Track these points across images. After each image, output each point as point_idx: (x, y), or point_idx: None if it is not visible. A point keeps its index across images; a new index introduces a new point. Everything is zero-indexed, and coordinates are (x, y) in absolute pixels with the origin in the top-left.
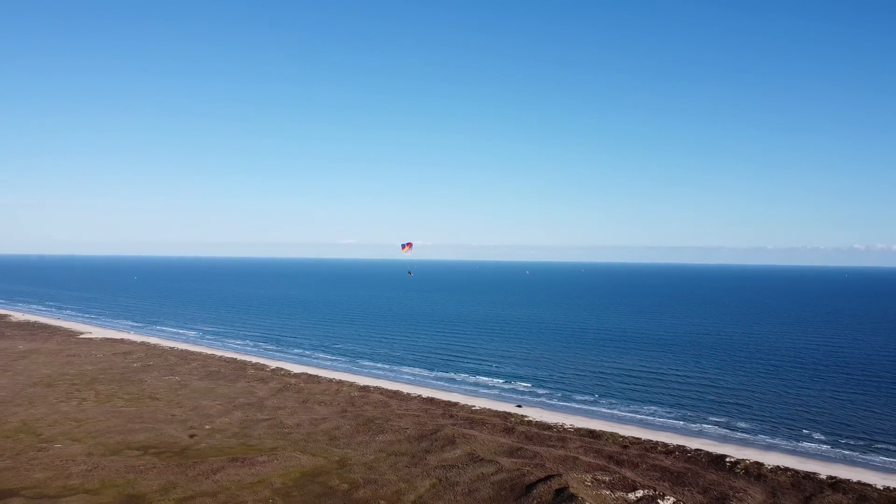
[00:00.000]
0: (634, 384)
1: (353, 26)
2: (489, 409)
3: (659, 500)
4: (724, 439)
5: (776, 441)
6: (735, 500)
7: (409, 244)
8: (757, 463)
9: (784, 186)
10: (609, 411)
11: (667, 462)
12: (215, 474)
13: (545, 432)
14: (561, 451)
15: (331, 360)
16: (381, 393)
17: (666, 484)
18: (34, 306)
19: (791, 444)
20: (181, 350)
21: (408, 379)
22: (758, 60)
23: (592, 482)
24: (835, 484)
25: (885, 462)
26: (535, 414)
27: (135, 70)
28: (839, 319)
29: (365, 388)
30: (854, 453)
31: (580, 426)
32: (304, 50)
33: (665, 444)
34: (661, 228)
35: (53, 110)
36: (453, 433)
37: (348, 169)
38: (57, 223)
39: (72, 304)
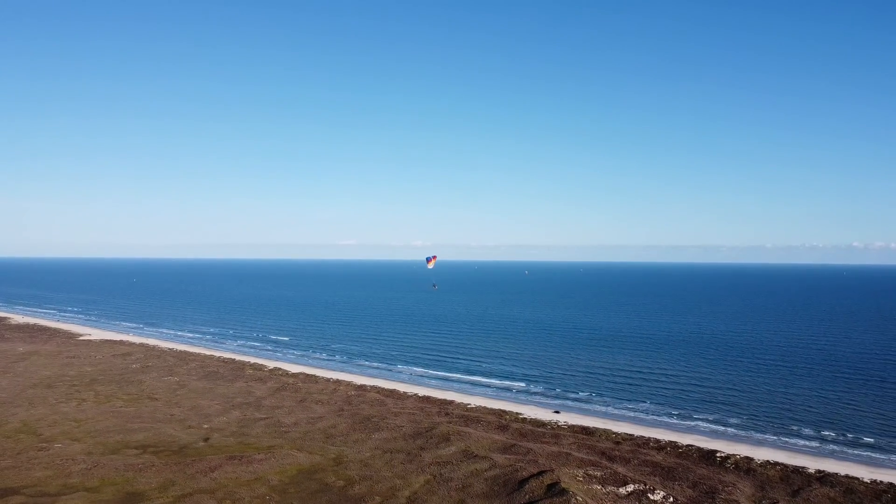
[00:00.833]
0: (628, 382)
1: (351, 26)
2: (484, 407)
3: (649, 494)
4: (715, 435)
5: (766, 436)
6: (724, 494)
7: (434, 258)
8: (747, 458)
9: (782, 185)
10: (603, 408)
11: (658, 457)
12: (213, 472)
13: (539, 429)
14: (554, 448)
15: (328, 359)
16: (377, 392)
17: (657, 478)
18: (33, 309)
19: (781, 440)
20: (180, 351)
21: (404, 378)
22: (754, 59)
23: (584, 477)
24: (823, 477)
25: (871, 456)
26: (572, 419)
27: (131, 72)
28: (833, 317)
29: (362, 388)
30: (842, 448)
31: (574, 423)
32: (303, 50)
33: (657, 440)
34: (660, 227)
35: (50, 112)
36: (448, 431)
37: (348, 170)
38: (56, 226)
39: (71, 307)
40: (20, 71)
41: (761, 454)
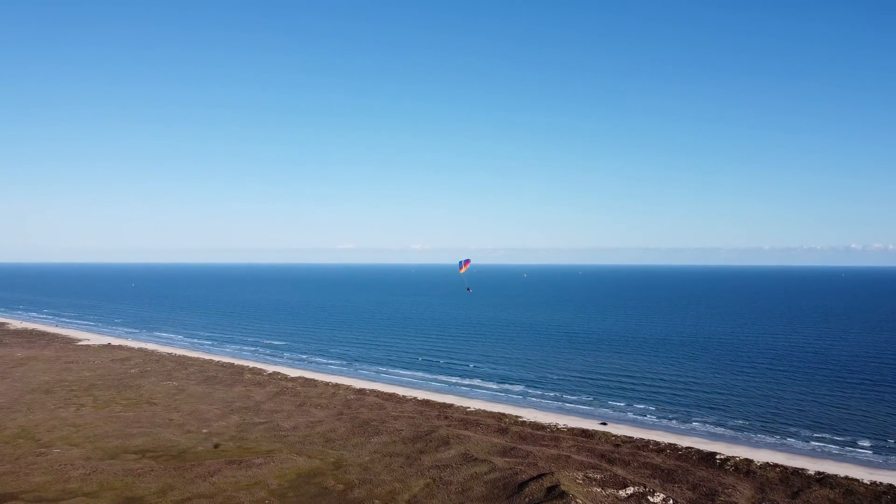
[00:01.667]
0: (627, 384)
1: (348, 30)
2: (484, 411)
3: (649, 497)
4: (714, 437)
5: (766, 438)
6: (724, 496)
7: (468, 263)
8: (747, 460)
9: (780, 186)
10: (602, 411)
11: (658, 460)
12: (212, 476)
13: (538, 432)
14: (554, 451)
15: (327, 363)
16: (376, 396)
17: (656, 481)
18: (32, 314)
19: (780, 441)
20: (179, 356)
21: (403, 381)
22: (751, 60)
23: (584, 480)
24: (822, 479)
25: (870, 458)
26: (571, 422)
27: (126, 75)
28: (831, 319)
29: (361, 391)
30: (841, 449)
31: (573, 426)
32: (299, 53)
33: (656, 443)
34: (658, 230)
35: (48, 116)
36: (448, 434)
37: (346, 172)
38: (54, 231)
39: (69, 312)
40: (18, 75)
41: (761, 456)
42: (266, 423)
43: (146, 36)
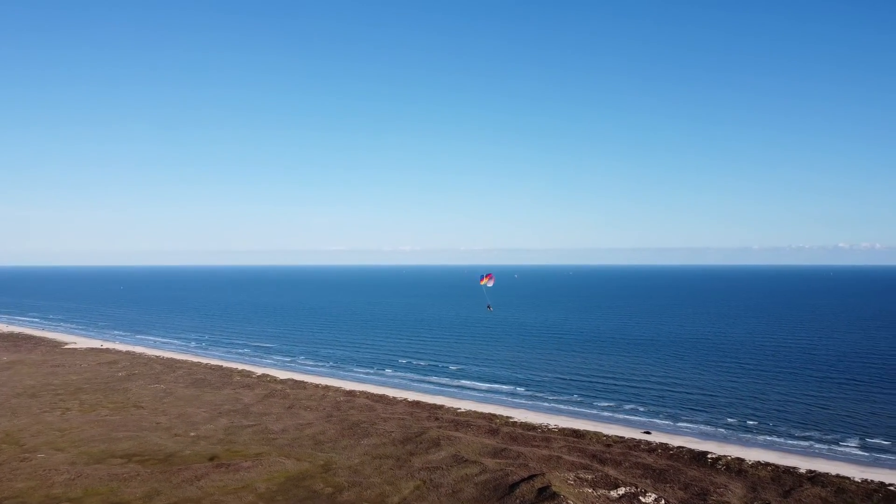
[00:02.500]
0: (618, 384)
1: (338, 30)
2: (474, 412)
3: (641, 497)
4: (706, 436)
5: (757, 437)
6: (716, 496)
7: (490, 276)
8: (738, 459)
9: (769, 186)
10: (593, 411)
11: (649, 459)
12: (199, 480)
13: (529, 433)
14: (545, 451)
15: (317, 365)
16: (366, 397)
17: (648, 481)
18: (18, 317)
19: (771, 440)
20: (167, 358)
21: (394, 383)
22: (738, 59)
23: (575, 480)
24: (814, 477)
25: (861, 456)
26: (563, 422)
27: (110, 77)
28: (819, 318)
29: (351, 393)
30: (832, 448)
31: (564, 426)
32: (290, 55)
33: (648, 442)
34: (648, 230)
35: (34, 119)
36: (438, 435)
37: (337, 174)
38: (42, 234)
39: (56, 315)
40: (11, 77)
41: (752, 455)
42: (255, 425)
43: (130, 37)
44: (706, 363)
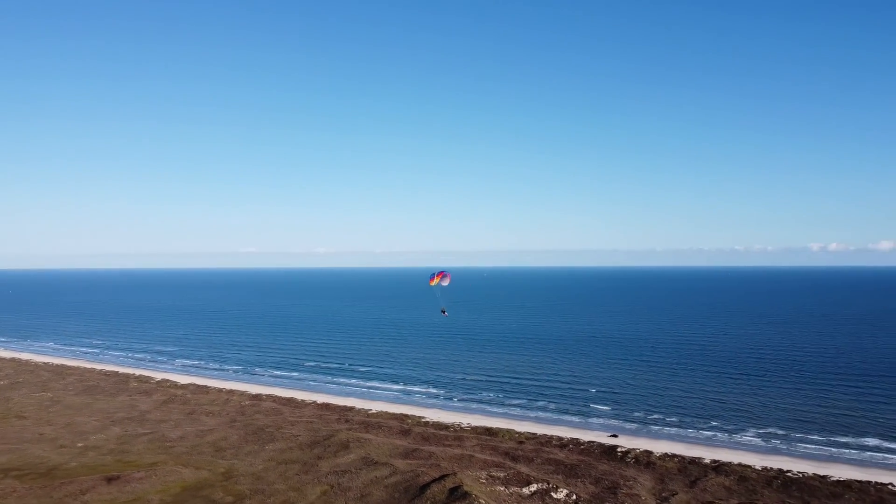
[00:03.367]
0: (529, 382)
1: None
2: (386, 412)
3: (552, 493)
4: (615, 430)
5: (664, 430)
6: (626, 489)
7: (442, 274)
8: (647, 451)
9: (671, 191)
10: (505, 409)
11: (561, 455)
12: (84, 495)
13: (442, 432)
14: (457, 450)
15: (222, 369)
16: (273, 401)
17: (560, 476)
18: None
19: (678, 433)
20: (56, 365)
21: (303, 385)
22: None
23: (487, 479)
24: (718, 467)
25: (760, 445)
26: (475, 420)
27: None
28: (715, 316)
29: (257, 397)
30: (734, 438)
31: (477, 424)
32: (196, 50)
33: (560, 438)
34: (562, 233)
35: None
36: (348, 438)
37: (246, 174)
38: None
39: None
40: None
41: (660, 447)
42: (151, 433)
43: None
44: (612, 360)
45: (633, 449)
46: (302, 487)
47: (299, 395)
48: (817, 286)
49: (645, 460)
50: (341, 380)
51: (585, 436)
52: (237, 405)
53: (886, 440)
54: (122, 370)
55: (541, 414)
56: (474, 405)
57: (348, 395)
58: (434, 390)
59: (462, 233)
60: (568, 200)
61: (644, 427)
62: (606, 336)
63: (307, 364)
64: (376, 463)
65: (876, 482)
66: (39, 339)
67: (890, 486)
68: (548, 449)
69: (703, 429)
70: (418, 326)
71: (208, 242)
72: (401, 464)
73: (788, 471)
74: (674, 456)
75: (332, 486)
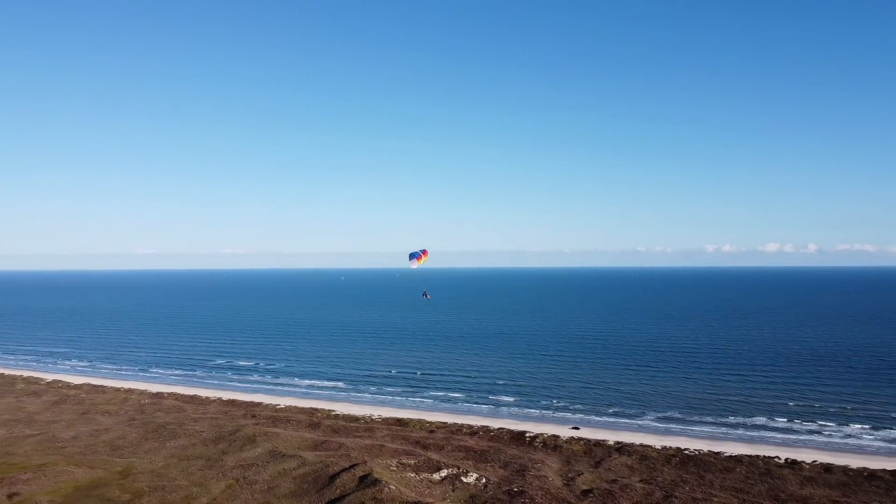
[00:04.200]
0: (438, 375)
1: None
2: (295, 407)
3: (462, 478)
4: (524, 418)
5: (569, 416)
6: (534, 471)
7: (426, 252)
8: (554, 436)
9: (575, 194)
10: (416, 400)
11: (471, 442)
12: None
13: (352, 424)
14: (368, 441)
15: (119, 370)
16: (176, 399)
17: (470, 462)
18: None
19: (583, 418)
20: None
21: (207, 384)
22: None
23: (398, 466)
24: (621, 448)
25: (659, 427)
26: (386, 412)
27: None
28: (615, 312)
29: (158, 395)
30: (635, 421)
31: (388, 416)
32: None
33: (470, 426)
34: (472, 234)
35: None
36: (254, 432)
37: (144, 169)
38: None
39: None
40: None
41: (566, 432)
42: (39, 434)
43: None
44: (517, 354)
45: (541, 434)
46: (205, 482)
47: (203, 393)
48: (710, 285)
49: (552, 444)
50: (248, 377)
51: (495, 423)
52: (136, 403)
53: (772, 419)
54: (6, 372)
55: (451, 405)
56: (385, 398)
57: (255, 391)
58: (344, 385)
59: (372, 234)
60: (473, 203)
61: (551, 414)
62: (512, 332)
63: (212, 363)
64: (284, 455)
65: (764, 456)
66: None
67: (776, 459)
68: (458, 437)
69: (607, 415)
70: (327, 325)
71: (101, 243)
72: (310, 455)
73: (686, 449)
74: (579, 439)
75: (237, 480)
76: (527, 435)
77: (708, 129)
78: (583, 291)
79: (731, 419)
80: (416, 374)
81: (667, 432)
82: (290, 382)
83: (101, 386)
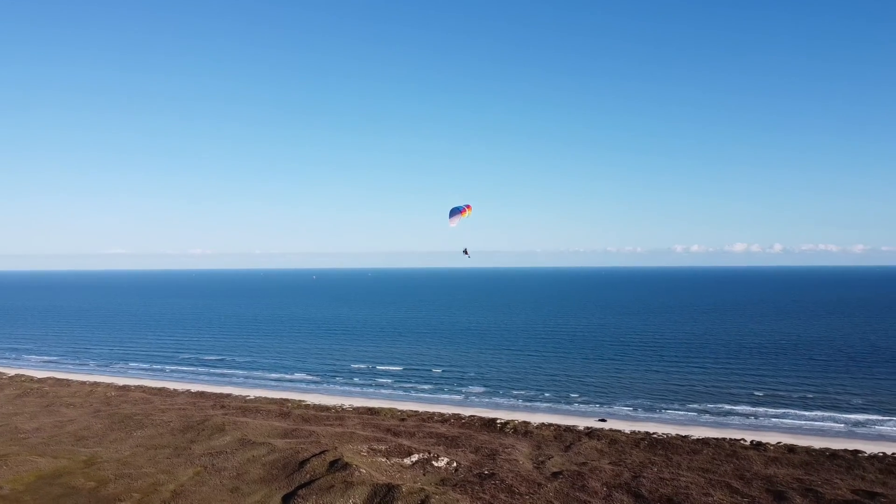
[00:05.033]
0: (410, 368)
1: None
2: (265, 398)
3: (433, 462)
4: (496, 406)
5: (541, 405)
6: (504, 454)
7: (469, 208)
8: (525, 422)
9: (549, 195)
10: (387, 391)
11: (443, 429)
12: None
13: (323, 413)
14: (339, 429)
15: (84, 364)
16: (143, 391)
17: (441, 447)
18: None
19: (553, 407)
20: None
21: (175, 377)
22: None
23: (368, 452)
24: (591, 433)
25: (630, 414)
26: (357, 402)
27: None
28: (585, 309)
29: (124, 388)
30: (606, 409)
31: (359, 406)
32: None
33: (441, 414)
34: (440, 234)
35: None
36: (223, 421)
37: (112, 169)
38: None
39: None
40: None
41: (537, 419)
42: (1, 426)
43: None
44: (489, 348)
45: (512, 420)
46: (172, 470)
47: (171, 385)
48: (678, 283)
49: (523, 430)
50: (218, 371)
51: (466, 411)
52: (102, 396)
53: (737, 406)
54: None
55: (423, 395)
56: (356, 389)
57: (225, 384)
58: (315, 377)
59: (347, 234)
60: (448, 203)
61: (522, 403)
62: (483, 328)
63: (180, 357)
64: (254, 443)
65: (730, 438)
66: None
67: (742, 441)
68: (429, 424)
69: (577, 402)
70: (298, 322)
71: (66, 243)
72: (280, 443)
73: (654, 433)
74: (550, 425)
75: (205, 468)
76: (498, 422)
77: (677, 133)
78: (552, 290)
79: (699, 406)
80: (387, 366)
81: (636, 419)
82: (261, 376)
83: (66, 380)
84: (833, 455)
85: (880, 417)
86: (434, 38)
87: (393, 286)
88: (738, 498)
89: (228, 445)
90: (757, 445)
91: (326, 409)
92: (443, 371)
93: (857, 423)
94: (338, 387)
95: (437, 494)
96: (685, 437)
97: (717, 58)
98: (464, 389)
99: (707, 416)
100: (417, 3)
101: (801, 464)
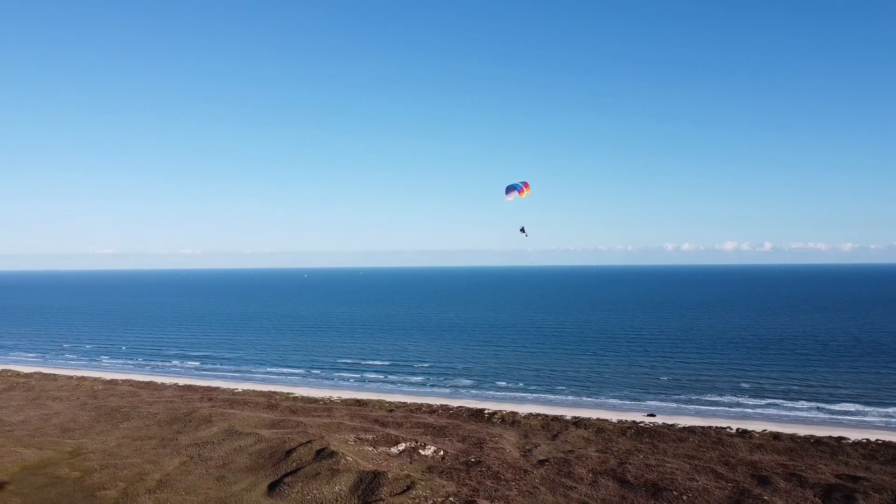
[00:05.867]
0: (398, 362)
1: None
2: (253, 390)
3: (420, 451)
4: (483, 398)
5: (527, 396)
6: (492, 443)
7: (527, 186)
8: (512, 412)
9: (539, 195)
10: (376, 384)
11: (430, 419)
12: None
13: (311, 405)
14: (326, 420)
15: (72, 360)
16: (130, 385)
17: (428, 437)
18: None
19: (541, 397)
20: None
21: (164, 371)
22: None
23: (356, 441)
24: (578, 422)
25: (617, 404)
26: (345, 394)
27: None
28: (574, 305)
29: (112, 382)
30: (593, 399)
31: (347, 397)
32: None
33: (429, 405)
34: (427, 234)
35: None
36: (210, 413)
37: (99, 166)
38: None
39: None
40: None
41: (525, 409)
42: None
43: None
44: (475, 343)
45: (500, 410)
46: (158, 460)
47: (159, 379)
48: (669, 281)
49: (511, 420)
50: (206, 365)
51: (454, 403)
52: (89, 390)
53: (723, 397)
54: None
55: (411, 388)
56: (344, 382)
57: (213, 378)
58: (303, 371)
59: (339, 233)
60: (440, 202)
61: (510, 394)
62: (472, 324)
63: (168, 352)
64: (240, 433)
65: (716, 426)
66: None
67: (727, 429)
68: (417, 415)
69: (565, 394)
70: (287, 318)
71: (57, 242)
72: (267, 433)
73: (641, 422)
74: (538, 415)
75: (191, 458)
76: (485, 412)
77: (668, 132)
78: (542, 288)
79: (685, 398)
80: (374, 360)
81: (623, 409)
82: (249, 370)
83: (53, 374)
84: (817, 441)
85: (864, 408)
86: (423, 39)
87: (384, 285)
88: (723, 483)
89: (215, 436)
90: (742, 433)
91: (315, 400)
92: (431, 365)
93: (841, 413)
94: (326, 380)
95: (422, 481)
96: (671, 425)
97: (707, 57)
98: (452, 382)
99: (693, 406)
100: (416, 4)
101: (786, 450)
